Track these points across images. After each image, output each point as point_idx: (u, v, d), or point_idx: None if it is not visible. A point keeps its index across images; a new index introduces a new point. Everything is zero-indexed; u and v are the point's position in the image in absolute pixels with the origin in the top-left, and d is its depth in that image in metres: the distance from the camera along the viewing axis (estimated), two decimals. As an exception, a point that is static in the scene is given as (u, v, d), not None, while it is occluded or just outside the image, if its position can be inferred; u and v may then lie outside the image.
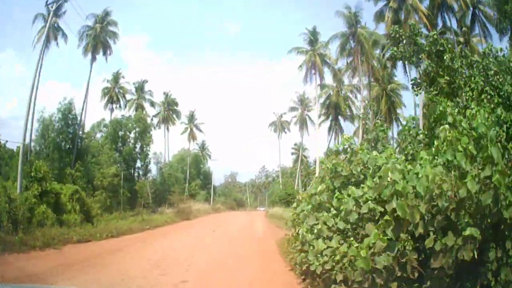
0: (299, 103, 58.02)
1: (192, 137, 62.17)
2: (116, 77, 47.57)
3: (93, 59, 37.48)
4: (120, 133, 40.50)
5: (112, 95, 47.70)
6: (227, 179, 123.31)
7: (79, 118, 34.19)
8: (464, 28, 28.55)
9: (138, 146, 42.40)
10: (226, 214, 50.80)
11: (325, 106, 40.71)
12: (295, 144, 75.23)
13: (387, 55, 29.39)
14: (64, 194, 19.75)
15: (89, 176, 31.10)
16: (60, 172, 27.53)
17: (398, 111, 39.79)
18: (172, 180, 49.61)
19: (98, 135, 42.35)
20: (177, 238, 20.07)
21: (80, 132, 35.19)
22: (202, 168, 69.26)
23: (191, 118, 62.82)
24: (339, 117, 40.91)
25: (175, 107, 56.56)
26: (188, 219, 34.03)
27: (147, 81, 52.53)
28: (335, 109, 39.01)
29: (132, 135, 41.78)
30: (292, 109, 58.93)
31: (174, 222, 29.76)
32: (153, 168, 53.13)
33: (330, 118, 40.74)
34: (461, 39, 28.00)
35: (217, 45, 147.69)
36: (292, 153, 75.84)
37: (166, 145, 59.02)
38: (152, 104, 52.97)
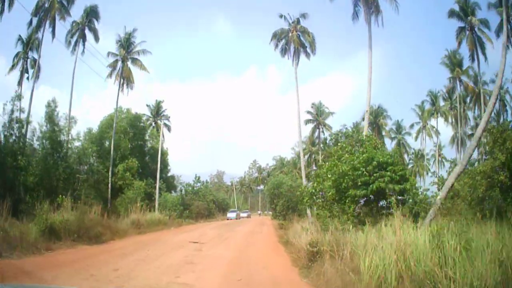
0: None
1: (125, 77, 32.36)
2: None
3: None
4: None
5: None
6: (213, 179, 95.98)
7: None
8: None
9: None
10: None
11: None
12: (313, 105, 46.03)
13: None
14: None
15: None
16: None
17: None
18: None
19: None
20: None
21: None
22: (149, 144, 39.81)
23: (126, 42, 32.37)
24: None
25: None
26: None
27: None
28: None
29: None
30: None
31: None
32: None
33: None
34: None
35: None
36: (307, 122, 46.15)
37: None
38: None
